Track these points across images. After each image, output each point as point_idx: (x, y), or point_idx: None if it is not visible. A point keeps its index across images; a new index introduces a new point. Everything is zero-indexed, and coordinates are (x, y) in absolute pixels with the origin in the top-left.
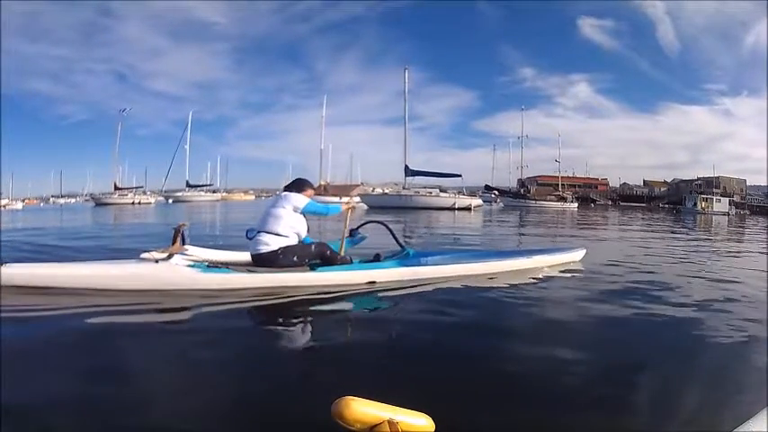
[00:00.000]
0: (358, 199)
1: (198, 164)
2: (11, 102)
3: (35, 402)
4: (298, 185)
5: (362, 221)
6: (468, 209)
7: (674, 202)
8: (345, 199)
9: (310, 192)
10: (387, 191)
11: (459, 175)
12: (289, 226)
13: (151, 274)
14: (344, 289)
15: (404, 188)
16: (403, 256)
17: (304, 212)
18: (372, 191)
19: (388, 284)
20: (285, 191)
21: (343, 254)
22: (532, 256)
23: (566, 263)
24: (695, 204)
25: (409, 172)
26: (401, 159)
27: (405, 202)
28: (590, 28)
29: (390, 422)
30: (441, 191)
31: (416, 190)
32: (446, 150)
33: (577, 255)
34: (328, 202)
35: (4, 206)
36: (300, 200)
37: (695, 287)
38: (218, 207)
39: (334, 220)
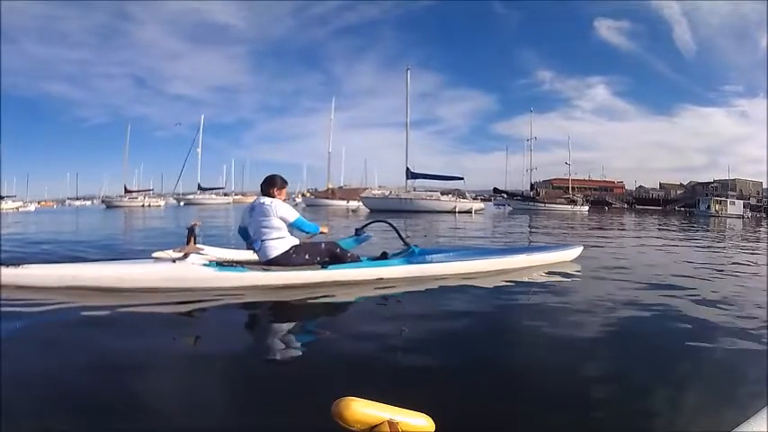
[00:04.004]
0: (360, 203)
1: (216, 166)
2: (29, 104)
3: (45, 395)
4: (277, 186)
5: (368, 220)
6: (469, 212)
7: (690, 205)
8: (353, 203)
9: (285, 190)
10: (387, 193)
11: (462, 178)
12: (283, 228)
13: (169, 274)
14: (353, 286)
15: (407, 191)
16: (408, 254)
17: (291, 226)
18: (390, 194)
19: (395, 281)
20: (263, 194)
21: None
22: (532, 253)
23: (564, 260)
24: (708, 207)
25: (410, 175)
26: (415, 162)
27: (405, 205)
28: (606, 30)
29: (390, 422)
30: (457, 194)
31: (416, 193)
32: (465, 154)
33: (575, 252)
34: (335, 206)
35: (17, 208)
36: (289, 213)
37: (684, 288)
38: (230, 210)
39: (335, 219)
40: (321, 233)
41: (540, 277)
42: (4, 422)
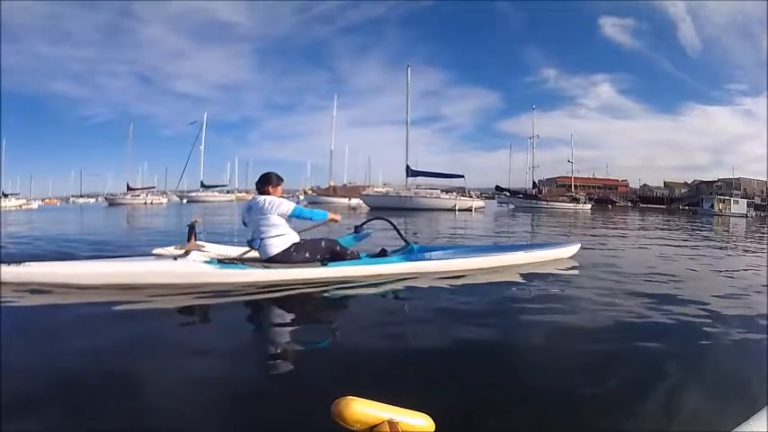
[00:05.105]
0: (360, 201)
1: (221, 164)
2: (34, 102)
3: (46, 392)
4: (272, 183)
5: (368, 218)
6: (469, 210)
7: (695, 203)
8: (355, 201)
9: (281, 187)
10: (389, 191)
11: (462, 176)
12: (283, 225)
13: (170, 271)
14: (353, 283)
15: (407, 188)
16: (407, 251)
17: (290, 217)
18: (390, 192)
19: (394, 279)
20: (258, 192)
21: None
22: (530, 250)
23: (562, 257)
24: (712, 206)
25: (410, 172)
26: (419, 161)
27: (405, 203)
28: (611, 27)
29: (390, 422)
30: (461, 192)
31: (416, 191)
32: (470, 152)
33: (572, 249)
34: (336, 203)
35: (20, 206)
36: (285, 208)
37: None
38: (233, 207)
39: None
40: (332, 220)
41: (537, 274)
42: (5, 420)
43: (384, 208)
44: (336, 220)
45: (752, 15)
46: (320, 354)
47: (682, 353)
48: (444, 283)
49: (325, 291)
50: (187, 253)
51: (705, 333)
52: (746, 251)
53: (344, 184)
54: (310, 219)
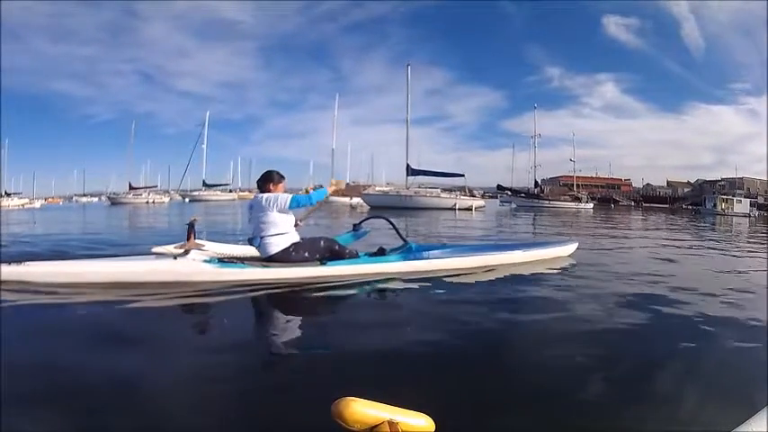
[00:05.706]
0: (360, 200)
1: (224, 163)
2: (37, 102)
3: (47, 391)
4: (273, 181)
5: (366, 216)
6: (469, 209)
7: (698, 203)
8: (356, 200)
9: (282, 184)
10: (389, 190)
11: (462, 175)
12: (283, 224)
13: (170, 270)
14: (352, 282)
15: (407, 187)
16: (406, 250)
17: (290, 209)
18: (390, 191)
19: (393, 278)
20: (260, 190)
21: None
22: (528, 249)
23: (560, 256)
24: (715, 205)
25: (411, 171)
26: (423, 160)
27: (405, 202)
28: (614, 26)
29: (390, 422)
30: (469, 192)
31: (416, 190)
32: (474, 150)
33: (570, 248)
34: (336, 203)
35: (22, 205)
36: (282, 200)
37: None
38: (236, 206)
39: (335, 216)
40: (336, 192)
41: (536, 273)
42: (5, 419)
43: (384, 207)
44: (340, 189)
45: (755, 14)
46: (320, 354)
47: (681, 353)
48: (443, 282)
49: (324, 290)
50: (187, 252)
51: (704, 333)
52: (747, 251)
53: (347, 183)
54: (310, 203)
